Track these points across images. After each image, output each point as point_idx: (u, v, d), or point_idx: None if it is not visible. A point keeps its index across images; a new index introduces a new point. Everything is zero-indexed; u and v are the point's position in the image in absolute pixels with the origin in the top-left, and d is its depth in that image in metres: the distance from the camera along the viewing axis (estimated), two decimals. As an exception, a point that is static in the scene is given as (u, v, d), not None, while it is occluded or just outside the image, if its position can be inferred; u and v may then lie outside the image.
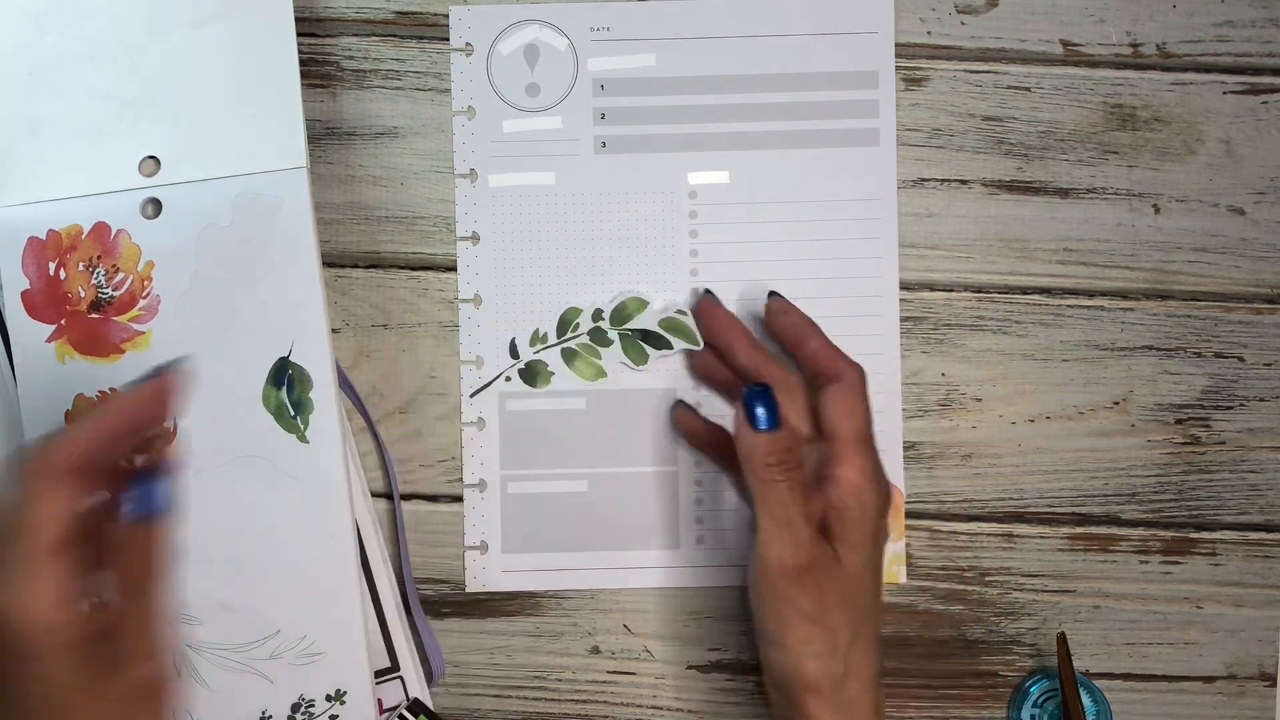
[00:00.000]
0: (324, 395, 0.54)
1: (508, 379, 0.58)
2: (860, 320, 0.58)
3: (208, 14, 0.54)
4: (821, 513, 0.50)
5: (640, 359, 0.57)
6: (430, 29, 0.58)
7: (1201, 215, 0.58)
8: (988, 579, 0.58)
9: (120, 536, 0.42)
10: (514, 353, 0.58)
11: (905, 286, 0.58)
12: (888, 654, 0.58)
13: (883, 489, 0.51)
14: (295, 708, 0.55)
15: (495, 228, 0.57)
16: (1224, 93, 0.57)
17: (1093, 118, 0.58)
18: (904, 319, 0.58)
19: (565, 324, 0.57)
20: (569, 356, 0.57)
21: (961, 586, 0.58)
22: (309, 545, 0.54)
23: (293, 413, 0.54)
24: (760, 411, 0.50)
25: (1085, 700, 0.56)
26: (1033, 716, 0.57)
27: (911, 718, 0.58)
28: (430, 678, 0.57)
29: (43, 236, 0.54)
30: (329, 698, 0.55)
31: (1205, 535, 0.58)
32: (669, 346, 0.57)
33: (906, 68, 0.57)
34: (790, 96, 0.57)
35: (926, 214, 0.58)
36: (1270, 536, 0.58)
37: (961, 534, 0.58)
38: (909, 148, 0.58)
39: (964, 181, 0.58)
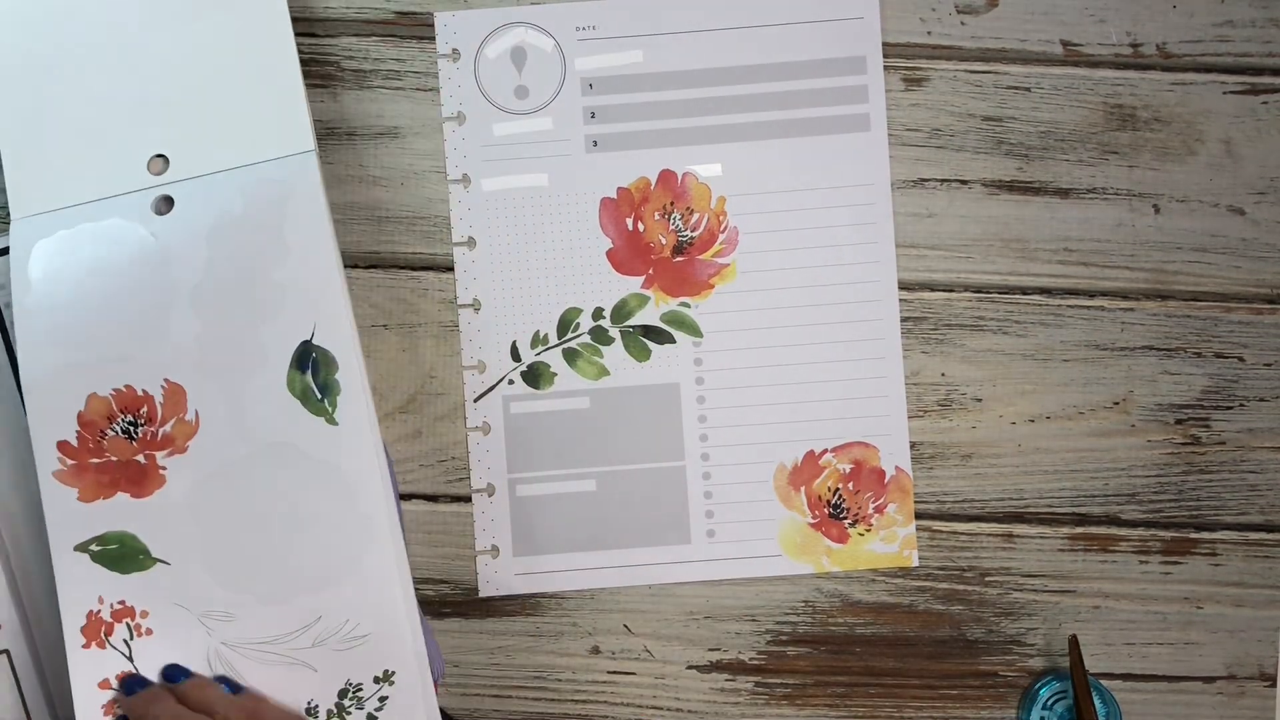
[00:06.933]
0: (351, 376, 0.53)
1: (510, 382, 0.57)
2: (860, 321, 0.57)
3: (201, 6, 0.54)
4: None
5: (643, 355, 0.57)
6: (429, 29, 0.58)
7: (1201, 215, 0.58)
8: (988, 579, 0.58)
9: None
10: (515, 356, 0.57)
11: (905, 286, 0.58)
12: (888, 654, 0.58)
13: None
14: (343, 694, 0.54)
15: (491, 231, 0.57)
16: (1224, 93, 0.58)
17: (1093, 118, 0.58)
18: (904, 319, 0.58)
19: (566, 324, 0.57)
20: (571, 357, 0.57)
21: (961, 586, 0.58)
22: (344, 528, 0.53)
23: (319, 395, 0.54)
24: None
25: (1095, 702, 0.56)
26: (1042, 718, 0.57)
27: (912, 718, 0.58)
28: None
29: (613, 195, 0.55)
30: (377, 679, 0.53)
31: (1205, 535, 0.58)
32: (672, 340, 0.57)
33: (906, 67, 0.57)
34: (779, 86, 0.57)
35: (926, 214, 0.58)
36: (1270, 536, 0.58)
37: (961, 534, 0.58)
38: (909, 147, 0.58)
39: (964, 181, 0.58)
